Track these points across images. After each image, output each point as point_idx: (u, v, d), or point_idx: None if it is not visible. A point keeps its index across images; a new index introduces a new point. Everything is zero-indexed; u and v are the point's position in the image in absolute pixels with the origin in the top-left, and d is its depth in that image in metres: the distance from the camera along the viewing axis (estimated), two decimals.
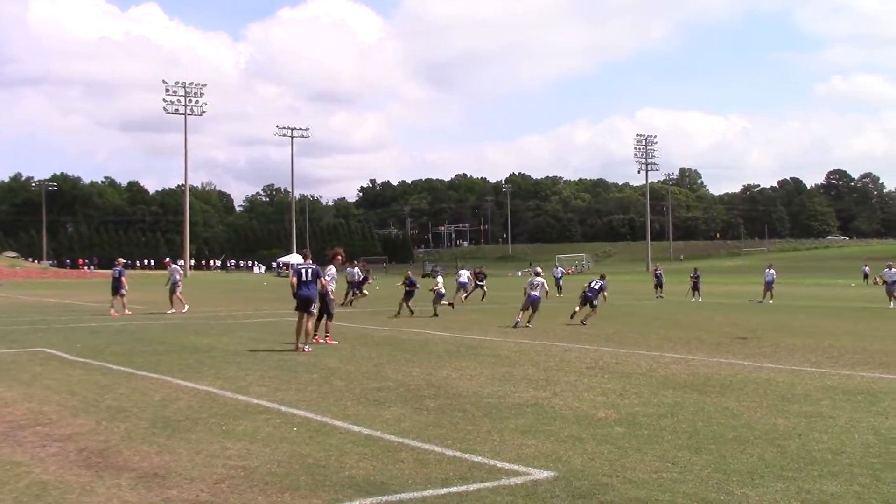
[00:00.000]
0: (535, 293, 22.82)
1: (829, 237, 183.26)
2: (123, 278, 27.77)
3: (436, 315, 26.87)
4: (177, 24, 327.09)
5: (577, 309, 23.93)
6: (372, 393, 11.06)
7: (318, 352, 16.04)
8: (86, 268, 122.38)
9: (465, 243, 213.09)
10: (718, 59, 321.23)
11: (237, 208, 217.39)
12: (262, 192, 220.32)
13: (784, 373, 13.29)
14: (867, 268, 75.89)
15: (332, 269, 18.99)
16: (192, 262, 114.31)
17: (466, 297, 34.96)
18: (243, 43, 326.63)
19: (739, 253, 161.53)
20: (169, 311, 28.06)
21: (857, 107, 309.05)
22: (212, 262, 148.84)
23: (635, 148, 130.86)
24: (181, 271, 31.10)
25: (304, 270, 16.85)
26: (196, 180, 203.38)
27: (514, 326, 21.86)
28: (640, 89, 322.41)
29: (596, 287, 24.13)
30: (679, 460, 7.37)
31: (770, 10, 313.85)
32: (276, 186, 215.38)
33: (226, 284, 71.82)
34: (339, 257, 19.12)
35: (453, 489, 6.45)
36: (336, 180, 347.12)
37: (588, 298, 23.75)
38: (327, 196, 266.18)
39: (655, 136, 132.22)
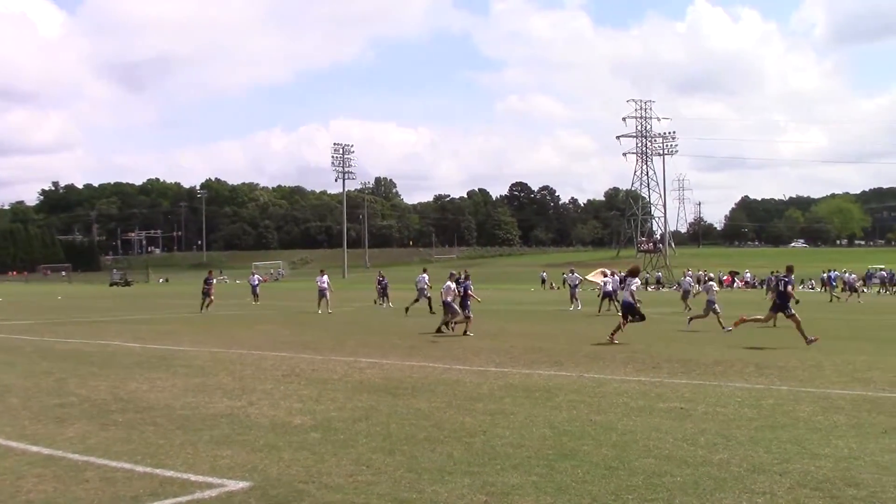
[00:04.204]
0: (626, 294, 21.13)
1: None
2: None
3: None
4: None
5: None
6: (53, 410, 10.33)
7: None
8: None
9: (158, 250, 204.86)
10: (409, 74, 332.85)
11: None
12: None
13: (471, 373, 14.01)
14: (545, 274, 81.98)
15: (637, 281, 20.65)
16: None
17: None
18: None
19: (431, 260, 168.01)
20: None
21: (534, 124, 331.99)
22: None
23: (333, 156, 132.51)
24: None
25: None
26: None
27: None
28: (335, 99, 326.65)
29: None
30: (374, 462, 7.56)
31: (455, 32, 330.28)
32: None
33: None
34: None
35: None
36: (13, 182, 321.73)
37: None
38: (3, 199, 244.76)
39: (352, 146, 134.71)
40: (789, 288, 19.42)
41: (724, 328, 22.88)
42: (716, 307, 24.22)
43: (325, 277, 35.37)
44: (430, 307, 32.32)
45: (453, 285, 23.04)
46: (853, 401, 11.02)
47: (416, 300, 33.46)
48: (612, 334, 19.71)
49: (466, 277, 23.76)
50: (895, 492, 6.59)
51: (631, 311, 20.21)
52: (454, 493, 6.54)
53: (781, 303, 19.29)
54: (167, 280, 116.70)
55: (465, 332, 21.93)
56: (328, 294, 34.64)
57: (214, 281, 38.30)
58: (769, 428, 9.14)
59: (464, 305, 22.66)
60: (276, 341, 20.34)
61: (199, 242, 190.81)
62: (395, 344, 19.64)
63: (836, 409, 10.33)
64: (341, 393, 11.78)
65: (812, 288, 69.47)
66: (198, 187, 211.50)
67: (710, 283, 26.45)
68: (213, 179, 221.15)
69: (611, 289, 33.38)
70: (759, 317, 20.63)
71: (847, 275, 55.11)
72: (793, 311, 19.13)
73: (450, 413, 10.11)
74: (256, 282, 46.95)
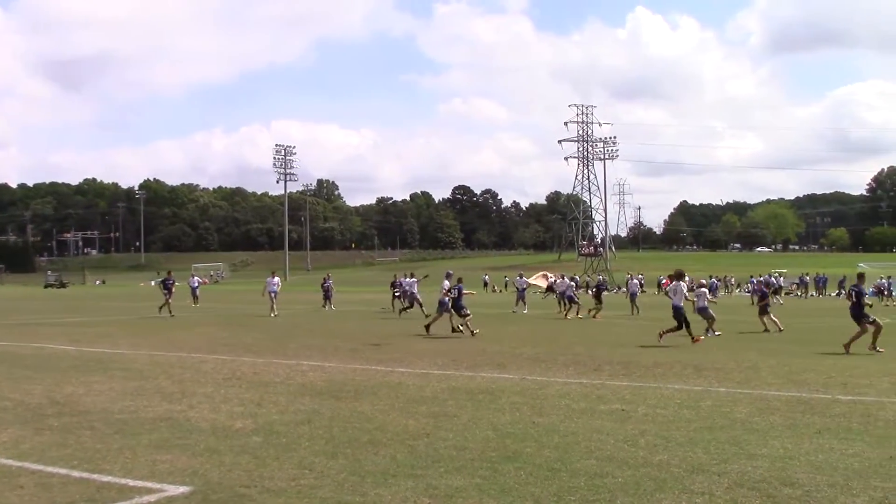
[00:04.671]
0: (677, 301, 20.87)
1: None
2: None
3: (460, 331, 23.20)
4: None
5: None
6: None
7: None
8: None
9: (94, 251, 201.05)
10: (352, 75, 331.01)
11: None
12: None
13: (414, 376, 14.00)
14: (487, 277, 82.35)
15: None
16: None
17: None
18: None
19: (374, 263, 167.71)
20: None
21: (476, 127, 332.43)
22: None
23: (274, 158, 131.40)
24: None
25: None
26: None
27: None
28: (277, 100, 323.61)
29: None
30: (316, 466, 7.51)
31: (398, 35, 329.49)
32: None
33: None
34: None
35: None
36: None
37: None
38: None
39: (294, 147, 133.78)
40: (864, 298, 19.04)
41: (710, 333, 22.67)
42: (710, 312, 23.16)
43: (277, 279, 35.30)
44: (401, 308, 32.66)
45: (448, 284, 23.63)
46: (788, 402, 11.24)
47: (411, 305, 33.24)
48: (694, 337, 20.03)
49: (459, 280, 24.23)
50: (829, 491, 6.74)
51: (679, 317, 20.36)
52: (398, 496, 6.53)
53: (856, 312, 18.81)
54: (104, 282, 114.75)
55: (455, 328, 22.57)
56: (273, 297, 34.44)
57: (174, 282, 37.02)
58: (707, 429, 9.29)
59: (458, 306, 23.07)
60: (216, 344, 20.11)
61: (138, 244, 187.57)
62: (338, 347, 19.56)
63: (772, 411, 10.53)
64: (283, 396, 11.69)
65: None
66: (136, 188, 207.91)
67: (703, 289, 25.16)
68: (152, 180, 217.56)
69: (564, 289, 34.25)
70: (859, 331, 18.90)
71: (781, 279, 56.30)
72: (872, 319, 18.58)
73: (393, 416, 10.09)
74: (196, 283, 46.30)
